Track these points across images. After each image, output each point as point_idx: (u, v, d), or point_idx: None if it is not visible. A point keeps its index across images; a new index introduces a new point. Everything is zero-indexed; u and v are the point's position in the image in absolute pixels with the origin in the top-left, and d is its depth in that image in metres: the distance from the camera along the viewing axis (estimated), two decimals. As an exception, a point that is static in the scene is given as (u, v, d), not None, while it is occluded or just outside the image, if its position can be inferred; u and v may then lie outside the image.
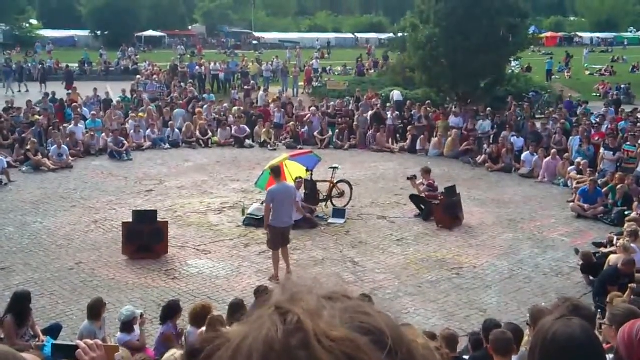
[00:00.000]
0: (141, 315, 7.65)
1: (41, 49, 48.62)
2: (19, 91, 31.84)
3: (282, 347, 0.77)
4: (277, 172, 10.58)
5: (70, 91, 26.62)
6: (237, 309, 6.94)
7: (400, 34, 29.53)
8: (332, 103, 23.85)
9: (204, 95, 26.18)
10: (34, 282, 10.07)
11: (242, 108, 23.25)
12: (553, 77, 37.03)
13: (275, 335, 0.78)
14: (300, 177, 13.29)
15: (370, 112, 22.20)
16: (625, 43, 63.59)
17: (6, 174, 16.09)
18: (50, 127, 19.65)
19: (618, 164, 16.52)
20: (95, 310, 7.37)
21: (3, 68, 33.73)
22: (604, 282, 9.33)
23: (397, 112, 22.33)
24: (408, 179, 14.08)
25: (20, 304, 7.64)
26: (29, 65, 36.84)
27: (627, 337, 3.32)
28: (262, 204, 13.05)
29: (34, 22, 64.43)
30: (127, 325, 7.37)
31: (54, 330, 7.89)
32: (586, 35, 70.41)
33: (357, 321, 0.81)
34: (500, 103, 23.66)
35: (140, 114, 21.97)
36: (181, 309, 7.61)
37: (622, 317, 4.03)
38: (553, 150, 17.43)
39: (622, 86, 32.13)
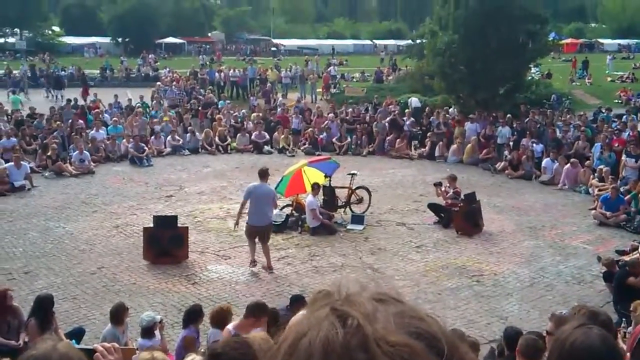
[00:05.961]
0: (160, 321, 7.70)
1: (90, 55, 50.51)
2: (51, 96, 32.13)
3: (342, 349, 0.79)
4: (262, 174, 10.91)
5: (88, 96, 27.01)
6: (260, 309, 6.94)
7: (418, 41, 29.50)
8: (350, 109, 23.90)
9: (219, 102, 26.23)
10: (57, 286, 10.19)
11: (260, 114, 23.38)
12: (573, 82, 36.87)
13: (335, 337, 0.80)
14: (317, 184, 13.31)
15: (388, 119, 22.21)
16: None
17: (29, 179, 16.33)
18: (73, 133, 19.90)
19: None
20: (118, 314, 7.43)
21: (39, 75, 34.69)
22: (619, 285, 9.21)
23: (412, 119, 22.32)
24: (434, 185, 14.04)
25: (44, 307, 7.72)
26: (52, 71, 37.37)
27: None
28: (280, 210, 13.16)
29: (56, 29, 65.45)
30: (147, 331, 7.41)
31: (76, 334, 7.95)
32: (607, 41, 69.68)
33: (413, 326, 0.83)
34: (520, 109, 23.51)
35: (166, 118, 22.20)
36: (203, 314, 7.65)
37: None
38: (573, 160, 17.23)
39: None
